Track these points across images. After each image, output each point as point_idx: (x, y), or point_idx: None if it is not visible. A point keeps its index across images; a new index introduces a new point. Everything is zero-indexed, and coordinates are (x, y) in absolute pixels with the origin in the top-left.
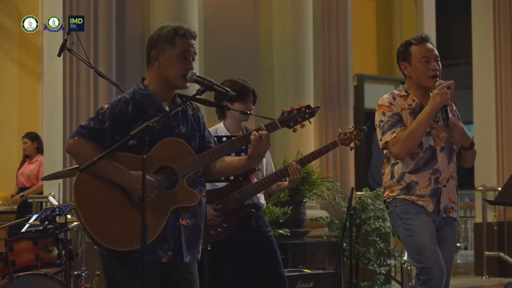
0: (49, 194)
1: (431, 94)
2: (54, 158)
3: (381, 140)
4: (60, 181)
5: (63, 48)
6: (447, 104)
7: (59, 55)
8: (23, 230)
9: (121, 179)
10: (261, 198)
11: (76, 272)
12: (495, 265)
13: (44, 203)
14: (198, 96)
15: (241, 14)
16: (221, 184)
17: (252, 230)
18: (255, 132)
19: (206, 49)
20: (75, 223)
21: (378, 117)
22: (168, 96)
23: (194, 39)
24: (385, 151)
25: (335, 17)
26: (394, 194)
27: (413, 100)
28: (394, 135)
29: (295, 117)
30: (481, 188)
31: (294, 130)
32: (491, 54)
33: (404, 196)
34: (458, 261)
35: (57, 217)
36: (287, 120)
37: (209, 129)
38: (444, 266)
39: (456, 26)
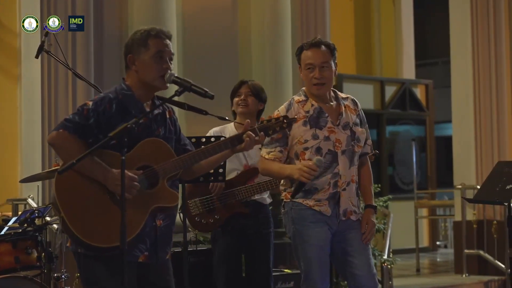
0: (28, 197)
1: (332, 102)
2: (33, 160)
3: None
4: (39, 183)
5: (40, 50)
6: (303, 182)
7: (36, 57)
8: (2, 232)
9: (102, 177)
10: (266, 195)
11: (56, 275)
12: (475, 263)
13: (23, 206)
14: (176, 99)
15: (220, 14)
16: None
17: (249, 226)
18: (249, 133)
19: (184, 48)
20: (54, 225)
21: None
22: (148, 98)
23: (169, 39)
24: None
25: (313, 17)
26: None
27: (312, 105)
28: (271, 156)
29: (273, 126)
30: (460, 186)
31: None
32: (469, 53)
33: (301, 200)
34: (438, 259)
35: (36, 219)
36: (266, 128)
37: (218, 127)
38: (327, 278)
39: (434, 25)
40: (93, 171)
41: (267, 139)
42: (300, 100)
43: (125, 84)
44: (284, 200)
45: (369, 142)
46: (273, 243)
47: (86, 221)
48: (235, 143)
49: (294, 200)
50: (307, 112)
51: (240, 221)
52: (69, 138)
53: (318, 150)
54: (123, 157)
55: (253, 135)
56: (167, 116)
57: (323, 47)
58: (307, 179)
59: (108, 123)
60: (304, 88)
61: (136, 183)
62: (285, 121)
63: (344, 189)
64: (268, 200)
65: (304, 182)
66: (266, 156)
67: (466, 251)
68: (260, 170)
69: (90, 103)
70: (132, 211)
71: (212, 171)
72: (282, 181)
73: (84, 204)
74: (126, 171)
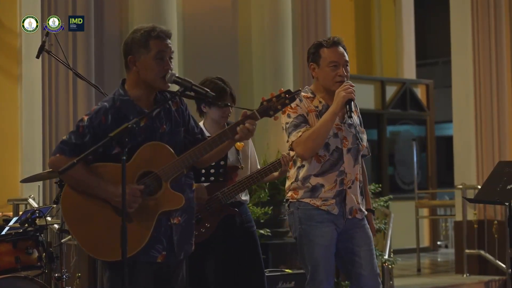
0: (29, 197)
1: None
2: (33, 160)
3: (287, 141)
4: (40, 183)
5: (41, 50)
6: (351, 98)
7: (37, 57)
8: (3, 232)
9: (104, 194)
10: (242, 194)
11: (56, 275)
12: (475, 263)
13: (24, 206)
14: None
15: (220, 14)
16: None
17: (237, 227)
18: (243, 123)
19: (184, 48)
20: (55, 225)
21: (284, 120)
22: (149, 99)
23: (169, 38)
24: (292, 153)
25: (313, 17)
26: (298, 196)
27: (320, 102)
28: (300, 134)
29: (275, 105)
30: (461, 186)
31: (275, 118)
32: (470, 52)
33: (308, 200)
34: (438, 259)
35: (37, 219)
36: (267, 109)
37: None
38: (332, 279)
39: (435, 25)
40: (95, 189)
41: (291, 126)
42: (308, 96)
43: (123, 88)
44: (290, 200)
45: (366, 144)
46: (258, 240)
47: (95, 239)
48: (234, 134)
49: (301, 200)
50: (316, 107)
51: (227, 222)
52: (67, 161)
53: (326, 146)
54: (124, 157)
55: (250, 124)
56: (173, 108)
57: (340, 46)
58: (352, 93)
59: (105, 135)
60: (310, 86)
61: (137, 196)
62: (287, 96)
63: (350, 187)
64: (246, 198)
65: (352, 98)
66: (297, 136)
67: (466, 251)
68: (302, 151)
69: (86, 118)
70: (139, 220)
71: (212, 170)
72: (286, 181)
73: (91, 221)
74: (128, 185)
